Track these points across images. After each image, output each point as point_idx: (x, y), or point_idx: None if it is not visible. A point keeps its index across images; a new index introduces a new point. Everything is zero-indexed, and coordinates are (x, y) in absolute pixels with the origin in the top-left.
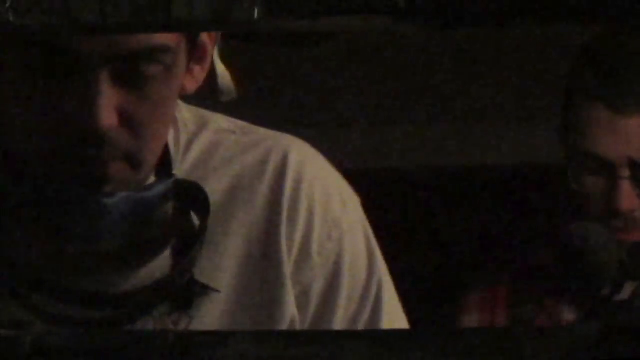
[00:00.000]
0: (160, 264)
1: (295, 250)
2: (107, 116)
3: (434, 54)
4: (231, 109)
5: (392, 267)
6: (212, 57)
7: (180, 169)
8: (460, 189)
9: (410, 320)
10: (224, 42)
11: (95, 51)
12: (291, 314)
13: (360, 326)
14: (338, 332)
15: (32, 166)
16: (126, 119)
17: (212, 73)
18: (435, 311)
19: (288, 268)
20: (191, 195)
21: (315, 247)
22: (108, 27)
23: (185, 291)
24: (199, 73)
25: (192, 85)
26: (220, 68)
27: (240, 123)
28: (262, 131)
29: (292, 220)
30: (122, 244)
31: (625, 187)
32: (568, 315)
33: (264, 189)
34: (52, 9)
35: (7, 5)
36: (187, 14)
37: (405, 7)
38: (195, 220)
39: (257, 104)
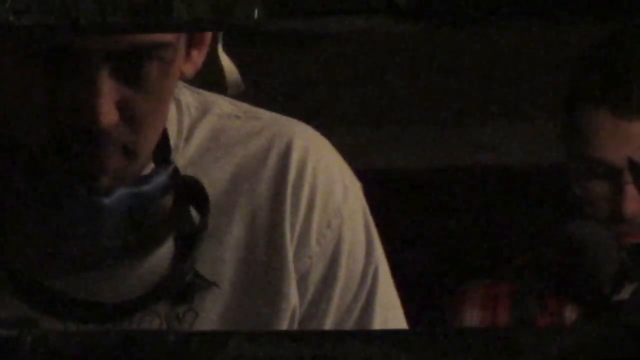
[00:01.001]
0: (162, 261)
1: (295, 238)
2: (108, 113)
3: (432, 53)
4: None
5: (393, 265)
6: (212, 41)
7: (183, 156)
8: (464, 188)
9: (411, 317)
10: (227, 37)
11: (95, 48)
12: (293, 304)
13: (355, 313)
14: (337, 332)
15: (31, 163)
16: (125, 114)
17: (218, 67)
18: (436, 309)
19: (291, 257)
20: (191, 191)
21: (314, 235)
22: (107, 27)
23: (187, 285)
24: (197, 57)
25: (190, 70)
26: (226, 62)
27: (245, 106)
28: (267, 115)
29: (294, 209)
30: (121, 239)
31: (631, 191)
32: (571, 314)
33: (267, 177)
34: (52, 8)
35: (7, 5)
36: (187, 14)
37: (405, 7)
38: (195, 216)
39: (256, 104)
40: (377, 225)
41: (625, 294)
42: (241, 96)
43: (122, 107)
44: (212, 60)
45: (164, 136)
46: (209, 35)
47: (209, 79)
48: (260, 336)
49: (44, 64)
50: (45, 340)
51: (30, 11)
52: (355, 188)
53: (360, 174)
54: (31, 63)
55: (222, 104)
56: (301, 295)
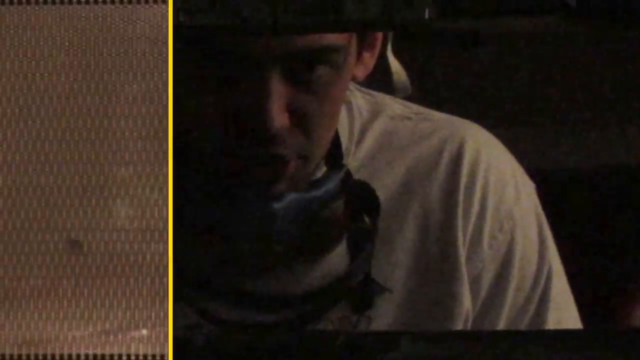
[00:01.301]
0: (335, 265)
1: (467, 241)
2: (279, 116)
3: (603, 53)
4: None
5: (566, 265)
6: (381, 44)
7: (355, 159)
8: (632, 187)
9: (583, 317)
10: (396, 39)
11: (266, 52)
12: (466, 307)
13: (529, 315)
14: (512, 332)
15: (206, 167)
16: (297, 117)
17: (386, 70)
18: (607, 308)
19: (463, 260)
20: (362, 195)
21: (486, 238)
22: (279, 28)
23: (362, 291)
24: (369, 60)
25: (362, 72)
26: (395, 64)
27: (415, 107)
28: (438, 116)
29: (466, 212)
30: (293, 244)
31: None
32: None
33: (439, 179)
34: (222, 9)
35: (178, 5)
36: (358, 14)
37: (576, 7)
38: (367, 219)
39: (426, 105)
40: (551, 225)
41: None
42: (408, 98)
43: (294, 110)
44: (380, 62)
45: (336, 139)
46: (380, 37)
47: (376, 80)
48: (433, 335)
49: (215, 66)
50: (216, 341)
51: (201, 12)
52: (528, 189)
53: (533, 174)
54: (202, 65)
55: (393, 106)
56: (474, 298)
